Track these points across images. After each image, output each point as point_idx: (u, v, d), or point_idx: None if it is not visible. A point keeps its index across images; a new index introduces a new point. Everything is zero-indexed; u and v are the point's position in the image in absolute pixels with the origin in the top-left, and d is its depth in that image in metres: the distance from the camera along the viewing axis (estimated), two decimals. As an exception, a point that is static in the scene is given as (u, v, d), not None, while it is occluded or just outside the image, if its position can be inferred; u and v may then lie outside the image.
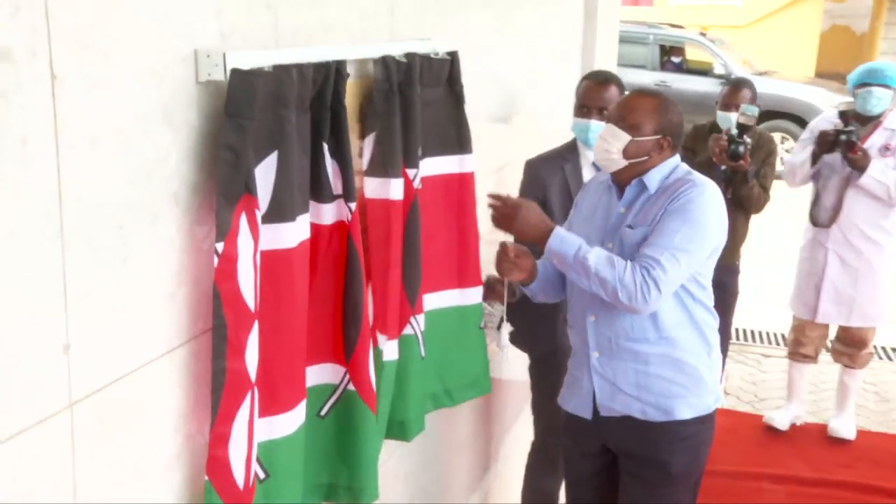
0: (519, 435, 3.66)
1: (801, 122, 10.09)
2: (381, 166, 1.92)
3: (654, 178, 2.28)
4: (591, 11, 4.19)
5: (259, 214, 1.42)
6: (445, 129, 2.26)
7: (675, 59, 11.75)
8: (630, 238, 2.26)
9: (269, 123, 1.45)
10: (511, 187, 3.07)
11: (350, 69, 1.93)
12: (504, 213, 2.25)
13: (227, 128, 1.38)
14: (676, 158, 2.33)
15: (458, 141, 2.31)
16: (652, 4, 13.48)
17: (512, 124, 3.16)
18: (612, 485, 2.47)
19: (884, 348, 5.44)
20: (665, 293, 2.16)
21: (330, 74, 1.56)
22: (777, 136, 10.68)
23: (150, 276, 1.34)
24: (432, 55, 2.14)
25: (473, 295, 2.38)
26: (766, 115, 10.35)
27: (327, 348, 1.73)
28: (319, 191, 1.63)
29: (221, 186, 1.38)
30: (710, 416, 2.38)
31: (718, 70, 11.20)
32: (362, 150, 1.93)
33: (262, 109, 1.42)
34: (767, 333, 5.64)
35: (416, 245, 2.06)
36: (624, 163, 2.27)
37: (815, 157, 3.96)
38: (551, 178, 2.87)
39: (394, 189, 1.93)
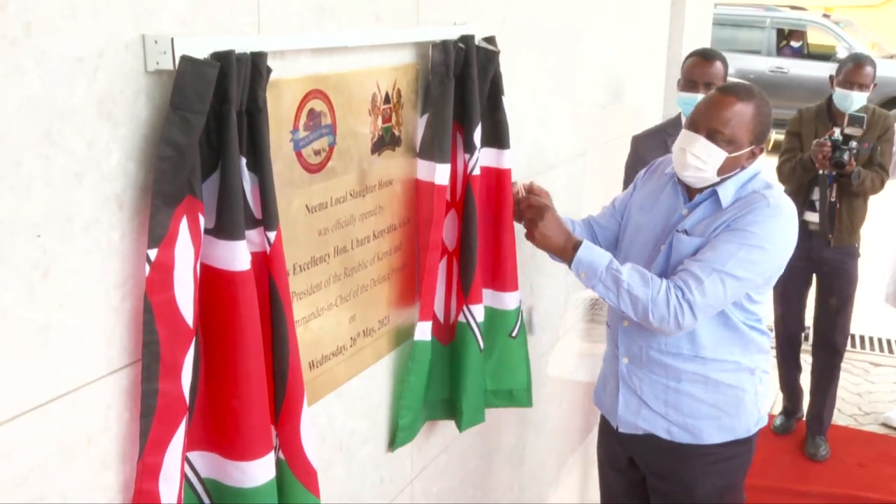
0: (583, 457, 3.41)
1: (935, 110, 9.25)
2: (430, 150, 1.92)
3: (729, 191, 2.04)
4: (679, -8, 3.87)
5: (203, 220, 1.26)
6: (482, 121, 2.06)
7: (795, 44, 11.04)
8: (682, 245, 2.02)
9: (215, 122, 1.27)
10: (556, 189, 2.85)
11: (377, 56, 1.77)
12: (532, 211, 2.06)
13: (171, 121, 1.22)
14: (757, 165, 2.07)
15: (496, 134, 2.10)
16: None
17: (564, 123, 2.90)
18: None
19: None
20: (701, 319, 1.93)
21: (240, 70, 1.28)
22: (907, 125, 9.87)
23: (82, 290, 1.20)
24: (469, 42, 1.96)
25: (508, 301, 2.18)
26: (894, 102, 9.57)
27: None
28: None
29: (159, 186, 1.22)
30: (747, 440, 2.16)
31: (842, 54, 10.43)
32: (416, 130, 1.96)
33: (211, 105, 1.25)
34: (880, 340, 5.14)
35: (472, 232, 2.01)
36: (717, 179, 2.04)
37: None
38: (653, 153, 2.77)
39: (439, 174, 1.91)
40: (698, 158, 2.01)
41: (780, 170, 3.75)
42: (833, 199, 3.60)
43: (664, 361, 2.10)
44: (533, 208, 2.08)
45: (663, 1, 3.82)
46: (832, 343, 3.90)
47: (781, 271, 2.07)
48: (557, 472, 3.23)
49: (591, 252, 2.01)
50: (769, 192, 2.03)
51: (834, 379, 3.96)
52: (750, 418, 2.15)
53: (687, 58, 3.09)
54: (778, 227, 1.99)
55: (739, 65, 10.65)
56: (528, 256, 2.65)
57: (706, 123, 2.01)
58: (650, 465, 2.22)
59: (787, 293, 3.91)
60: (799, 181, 3.67)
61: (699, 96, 2.72)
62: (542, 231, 2.05)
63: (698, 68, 2.98)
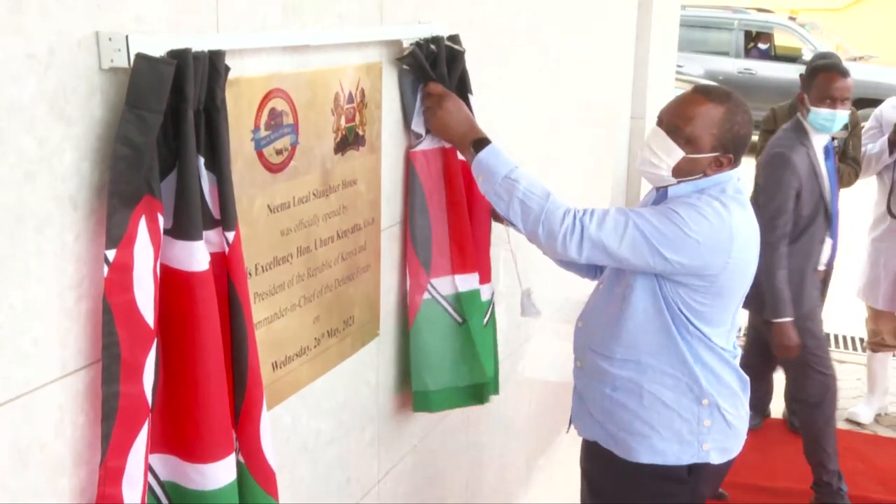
0: (553, 458, 3.41)
1: (899, 111, 9.40)
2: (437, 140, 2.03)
3: (681, 192, 1.95)
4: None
5: (162, 220, 1.24)
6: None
7: (762, 46, 11.16)
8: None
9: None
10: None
11: (340, 55, 1.76)
12: (431, 98, 1.94)
13: (127, 120, 1.20)
14: (732, 173, 1.96)
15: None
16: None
17: (534, 121, 2.91)
18: None
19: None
20: (588, 254, 1.84)
21: (197, 69, 1.26)
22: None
23: (34, 292, 1.17)
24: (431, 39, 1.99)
25: (473, 282, 2.17)
26: (860, 104, 9.70)
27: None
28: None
29: (116, 185, 1.20)
30: (681, 473, 2.02)
31: (808, 56, 10.56)
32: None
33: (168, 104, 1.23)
34: (844, 337, 5.21)
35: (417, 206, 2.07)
36: (672, 181, 1.95)
37: (893, 146, 3.71)
38: (802, 166, 3.01)
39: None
40: (654, 153, 1.94)
41: None
42: None
43: (600, 365, 2.04)
44: (432, 96, 1.94)
45: (630, 2, 3.84)
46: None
47: (724, 282, 1.91)
48: (527, 472, 3.23)
49: (495, 155, 1.88)
50: (723, 196, 1.91)
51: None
52: (685, 449, 2.00)
53: (817, 70, 3.13)
54: (713, 226, 1.86)
55: (708, 66, 10.76)
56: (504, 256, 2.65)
57: (669, 118, 1.94)
58: (590, 474, 2.17)
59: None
60: None
61: (839, 112, 3.01)
62: (442, 117, 1.92)
63: (837, 83, 3.06)
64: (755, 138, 4.03)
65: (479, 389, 2.24)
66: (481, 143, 1.93)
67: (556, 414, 3.45)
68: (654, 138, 1.96)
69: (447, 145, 2.07)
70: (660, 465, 2.01)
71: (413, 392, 2.16)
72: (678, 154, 1.91)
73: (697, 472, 2.04)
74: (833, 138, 3.54)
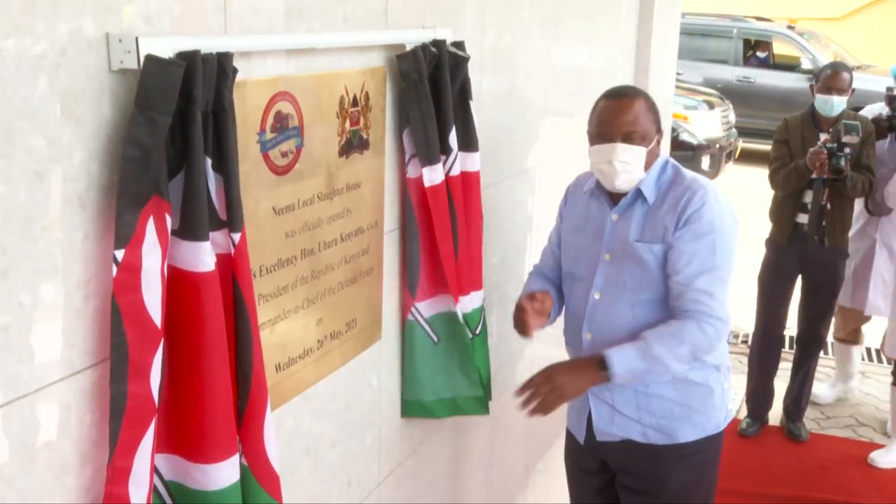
0: (551, 462, 3.42)
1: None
2: (422, 152, 1.97)
3: (649, 187, 2.11)
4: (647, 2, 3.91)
5: (169, 220, 1.25)
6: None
7: (761, 54, 11.19)
8: (643, 253, 2.09)
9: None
10: (539, 188, 2.86)
11: (345, 58, 1.77)
12: (547, 393, 2.04)
13: (136, 121, 1.21)
14: (663, 155, 2.18)
15: (465, 138, 2.12)
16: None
17: (533, 128, 2.92)
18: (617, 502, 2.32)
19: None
20: (726, 316, 2.05)
21: (205, 70, 1.28)
22: (870, 135, 10.04)
23: (42, 291, 1.18)
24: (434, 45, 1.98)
25: (476, 299, 2.23)
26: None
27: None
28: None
29: (125, 186, 1.21)
30: (718, 436, 2.23)
31: (806, 65, 10.60)
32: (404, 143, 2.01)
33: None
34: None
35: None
36: (644, 175, 2.12)
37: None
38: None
39: (436, 174, 1.99)
40: (624, 163, 2.06)
41: (774, 177, 3.88)
42: (824, 202, 3.75)
43: None
44: (543, 385, 2.05)
45: (631, 10, 3.86)
46: (818, 335, 4.08)
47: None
48: (526, 476, 3.24)
49: (620, 361, 2.01)
50: (688, 180, 2.11)
51: (814, 369, 4.20)
52: (719, 414, 2.21)
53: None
54: (718, 205, 2.07)
55: (707, 74, 10.79)
56: (498, 260, 2.66)
57: (619, 129, 2.07)
58: (625, 467, 2.24)
59: (774, 294, 4.03)
60: (794, 187, 3.80)
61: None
62: (566, 389, 2.04)
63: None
64: (768, 147, 4.13)
65: (474, 401, 2.27)
66: (601, 363, 2.02)
67: (554, 419, 3.45)
68: (617, 152, 2.07)
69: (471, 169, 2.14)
70: (701, 437, 2.17)
71: (403, 400, 2.20)
72: (642, 152, 2.08)
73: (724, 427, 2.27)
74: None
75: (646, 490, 2.21)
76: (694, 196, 2.06)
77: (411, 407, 2.22)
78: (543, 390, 2.04)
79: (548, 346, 3.27)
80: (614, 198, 2.16)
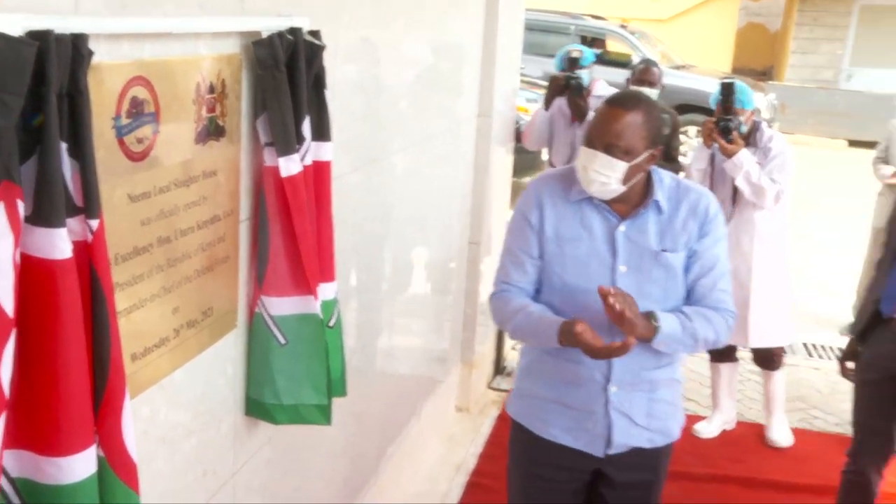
0: (401, 447, 3.50)
1: (716, 117, 10.17)
2: (278, 142, 1.93)
3: (663, 198, 2.18)
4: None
5: (22, 206, 1.21)
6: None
7: (596, 51, 11.72)
8: (673, 261, 2.16)
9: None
10: (394, 176, 2.91)
11: (201, 44, 1.75)
12: (625, 309, 2.02)
13: (-15, 103, 1.16)
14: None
15: (318, 127, 2.13)
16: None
17: (387, 117, 2.97)
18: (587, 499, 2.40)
19: (805, 345, 5.51)
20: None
21: (59, 51, 1.24)
22: (692, 130, 10.78)
23: None
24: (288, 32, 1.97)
25: (328, 291, 2.20)
26: (683, 109, 10.41)
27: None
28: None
29: None
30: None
31: (636, 62, 11.20)
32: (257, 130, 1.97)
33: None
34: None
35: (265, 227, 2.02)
36: (623, 188, 2.11)
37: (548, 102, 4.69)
38: None
39: (292, 164, 1.96)
40: (600, 174, 2.06)
41: None
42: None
43: (652, 377, 2.23)
44: (631, 306, 2.03)
45: (479, 4, 3.97)
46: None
47: None
48: (377, 462, 3.30)
49: (667, 322, 2.11)
50: (695, 185, 2.25)
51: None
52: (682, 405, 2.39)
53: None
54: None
55: (547, 68, 11.16)
56: (351, 248, 2.69)
57: (602, 139, 2.07)
58: (624, 473, 2.28)
59: None
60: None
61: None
62: (634, 322, 2.04)
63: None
64: None
65: (316, 410, 2.17)
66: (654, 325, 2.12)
67: (404, 406, 3.54)
68: (594, 161, 2.07)
69: (323, 158, 2.10)
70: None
71: (247, 398, 2.13)
72: (622, 167, 2.06)
73: None
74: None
75: (641, 485, 2.32)
76: (710, 202, 2.19)
77: (254, 406, 2.14)
78: (629, 309, 2.01)
79: (402, 336, 3.34)
80: (617, 206, 2.16)
